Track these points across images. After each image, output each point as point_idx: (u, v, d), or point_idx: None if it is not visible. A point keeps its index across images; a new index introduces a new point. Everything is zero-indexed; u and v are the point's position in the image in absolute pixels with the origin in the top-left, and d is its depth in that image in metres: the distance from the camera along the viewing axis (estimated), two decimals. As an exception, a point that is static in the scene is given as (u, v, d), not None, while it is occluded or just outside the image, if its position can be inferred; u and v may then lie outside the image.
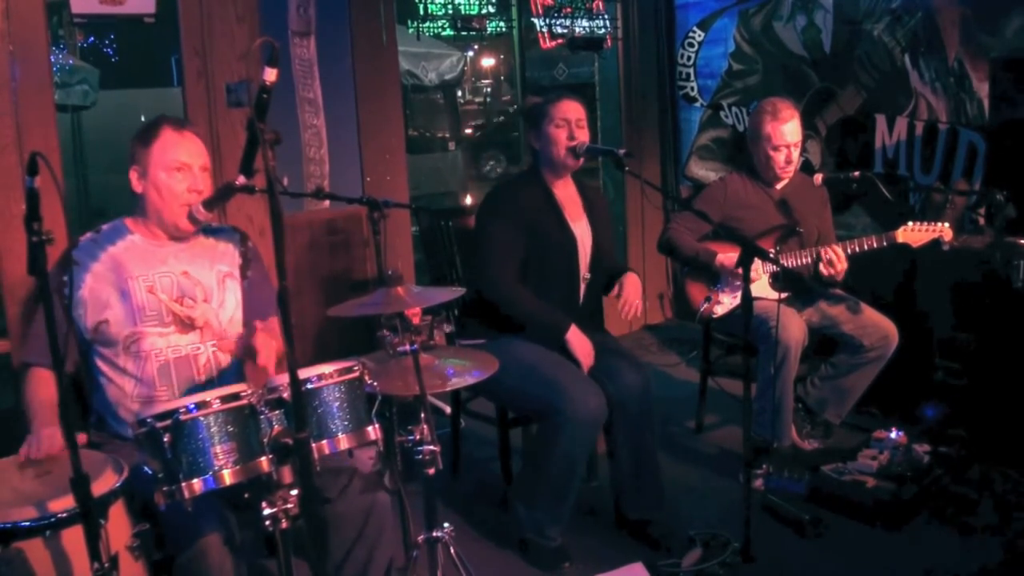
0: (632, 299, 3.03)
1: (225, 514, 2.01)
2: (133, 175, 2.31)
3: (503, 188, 3.14)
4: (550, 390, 2.75)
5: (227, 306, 2.40)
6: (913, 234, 3.31)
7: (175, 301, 2.30)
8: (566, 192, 3.11)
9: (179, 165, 2.28)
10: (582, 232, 3.09)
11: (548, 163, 3.04)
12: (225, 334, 2.38)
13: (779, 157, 3.46)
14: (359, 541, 2.20)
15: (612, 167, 5.43)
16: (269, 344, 2.25)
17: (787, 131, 3.44)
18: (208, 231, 2.45)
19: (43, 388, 2.23)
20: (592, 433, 2.83)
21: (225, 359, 2.37)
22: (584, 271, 3.10)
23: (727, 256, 3.39)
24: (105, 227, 2.36)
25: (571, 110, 2.99)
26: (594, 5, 5.32)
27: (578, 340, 2.93)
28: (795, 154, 3.48)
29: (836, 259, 3.33)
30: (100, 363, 2.28)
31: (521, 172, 3.20)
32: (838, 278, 3.36)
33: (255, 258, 2.52)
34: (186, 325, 2.31)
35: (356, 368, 1.98)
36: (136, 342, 2.25)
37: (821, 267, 3.34)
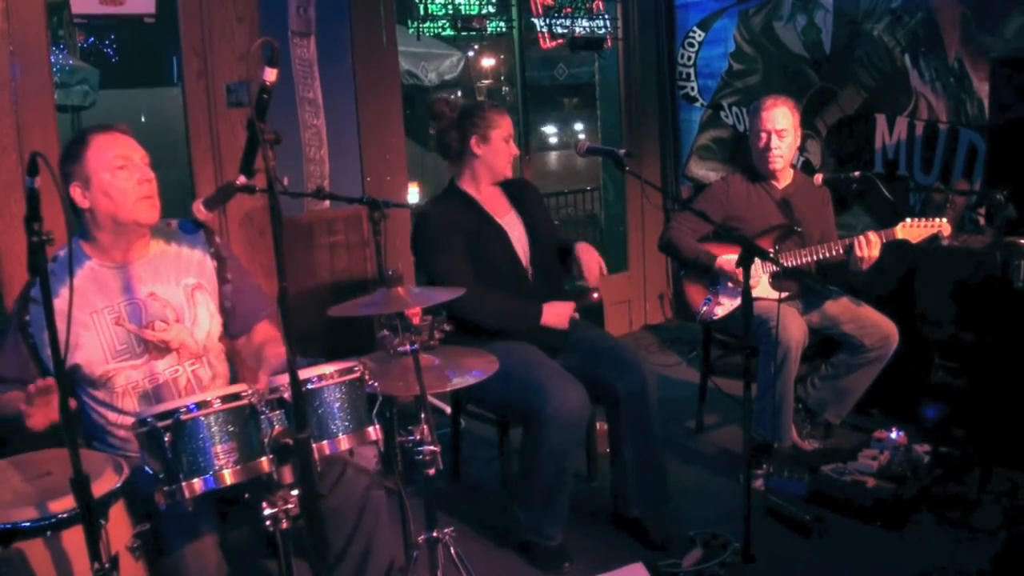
0: (592, 267, 3.05)
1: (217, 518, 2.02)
2: (76, 192, 2.15)
3: (429, 211, 3.11)
4: (529, 392, 2.75)
5: (200, 322, 2.30)
6: (912, 230, 3.31)
7: (146, 327, 2.22)
8: (486, 194, 3.13)
9: (121, 162, 2.16)
10: (511, 225, 3.11)
11: (485, 171, 3.07)
12: (204, 351, 2.30)
13: (760, 142, 3.47)
14: (356, 534, 2.18)
15: (612, 167, 5.43)
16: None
17: (767, 116, 3.45)
18: (168, 236, 2.33)
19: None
20: (577, 429, 2.82)
21: (206, 375, 2.30)
22: (525, 262, 3.09)
23: (726, 259, 3.39)
24: (61, 253, 2.20)
25: (510, 124, 3.08)
26: (594, 5, 5.31)
27: (552, 314, 2.99)
28: (777, 141, 3.46)
29: (876, 241, 3.28)
30: (80, 394, 2.22)
31: (440, 193, 3.20)
32: (863, 266, 3.30)
33: (228, 255, 2.41)
34: (161, 350, 2.23)
35: (357, 368, 1.98)
36: (111, 379, 2.19)
37: (856, 246, 3.30)
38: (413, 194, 6.81)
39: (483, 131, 3.02)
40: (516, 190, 3.21)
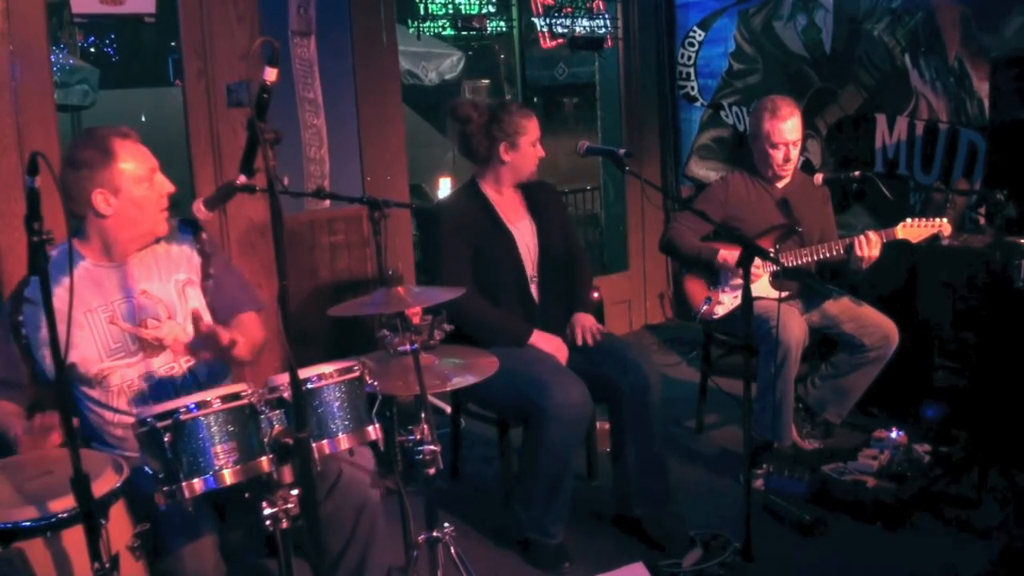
0: (582, 333, 3.08)
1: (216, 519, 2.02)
2: (98, 198, 2.15)
3: (443, 206, 3.18)
4: (531, 389, 2.76)
5: (192, 319, 2.29)
6: (912, 230, 3.32)
7: (140, 325, 2.22)
8: (504, 197, 3.13)
9: (150, 174, 2.21)
10: (523, 233, 3.11)
11: (511, 175, 3.08)
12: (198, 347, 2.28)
13: (777, 155, 3.46)
14: (352, 541, 2.19)
15: (612, 167, 5.43)
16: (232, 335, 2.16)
17: (786, 129, 3.43)
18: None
19: (5, 406, 2.17)
20: (579, 426, 2.83)
21: (201, 372, 2.30)
22: (531, 271, 3.10)
23: (729, 253, 3.39)
24: (55, 253, 2.15)
25: (537, 127, 3.06)
26: (594, 5, 5.31)
27: (544, 340, 2.98)
28: (794, 152, 3.48)
29: (876, 240, 3.29)
30: (77, 393, 2.21)
31: (460, 187, 3.22)
32: (864, 265, 3.31)
33: (214, 250, 2.41)
34: (155, 347, 2.23)
35: (356, 368, 1.98)
36: (106, 378, 2.19)
37: (856, 245, 3.31)
38: (446, 187, 6.95)
39: (512, 138, 3.01)
40: (536, 194, 3.21)
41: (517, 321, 3.01)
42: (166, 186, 2.25)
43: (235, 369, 2.41)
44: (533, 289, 3.10)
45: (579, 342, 3.07)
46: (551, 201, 3.27)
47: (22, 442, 2.01)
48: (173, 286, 2.30)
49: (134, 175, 2.18)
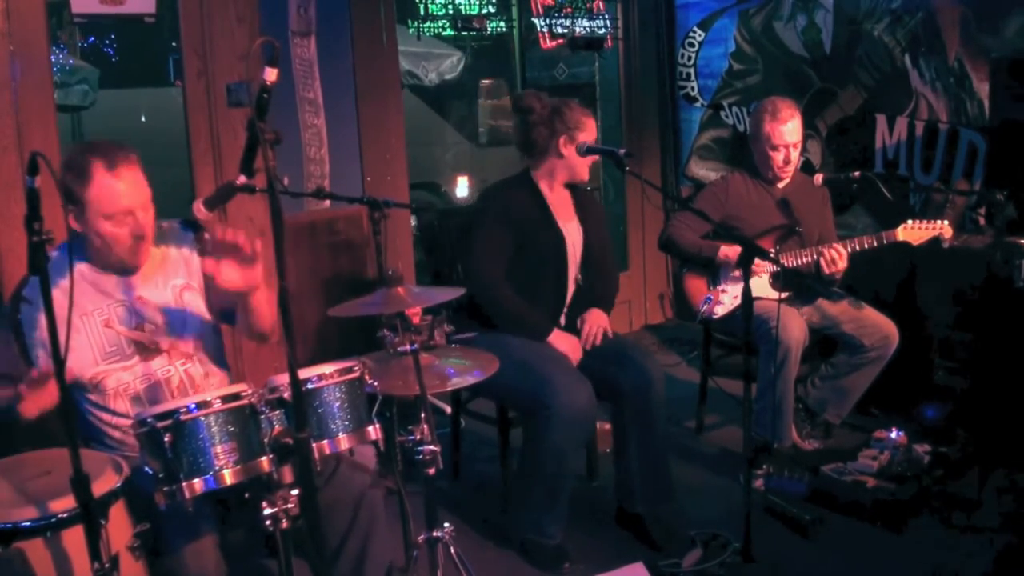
0: (592, 329, 3.09)
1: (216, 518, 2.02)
2: (70, 216, 2.12)
3: (493, 190, 3.21)
4: (539, 385, 2.77)
5: (190, 322, 2.29)
6: (913, 232, 3.32)
7: (136, 329, 2.21)
8: (557, 195, 3.15)
9: (121, 215, 2.12)
10: (572, 233, 3.13)
11: (565, 172, 3.09)
12: (195, 350, 2.28)
13: (778, 157, 3.47)
14: (352, 531, 2.18)
15: (612, 167, 5.43)
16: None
17: (786, 131, 3.43)
18: (159, 238, 2.28)
19: None
20: (582, 427, 2.84)
21: (198, 373, 2.29)
22: (574, 272, 3.13)
23: (731, 249, 3.39)
24: (54, 255, 2.11)
25: (595, 128, 3.09)
26: (594, 5, 5.31)
27: (561, 340, 3.00)
28: (794, 154, 3.49)
29: (838, 257, 3.33)
30: (75, 395, 2.20)
31: (512, 176, 3.23)
32: (837, 277, 3.37)
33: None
34: (151, 350, 2.22)
35: (356, 368, 1.98)
36: (101, 381, 2.18)
37: (822, 264, 3.34)
38: (463, 186, 7.06)
39: (573, 132, 3.03)
40: (584, 201, 3.23)
41: (541, 316, 3.02)
42: (138, 228, 2.16)
43: (234, 370, 2.41)
44: (570, 289, 3.13)
45: (583, 340, 3.07)
46: (596, 209, 3.31)
47: (24, 397, 1.97)
48: (171, 291, 2.29)
49: (101, 211, 2.11)
